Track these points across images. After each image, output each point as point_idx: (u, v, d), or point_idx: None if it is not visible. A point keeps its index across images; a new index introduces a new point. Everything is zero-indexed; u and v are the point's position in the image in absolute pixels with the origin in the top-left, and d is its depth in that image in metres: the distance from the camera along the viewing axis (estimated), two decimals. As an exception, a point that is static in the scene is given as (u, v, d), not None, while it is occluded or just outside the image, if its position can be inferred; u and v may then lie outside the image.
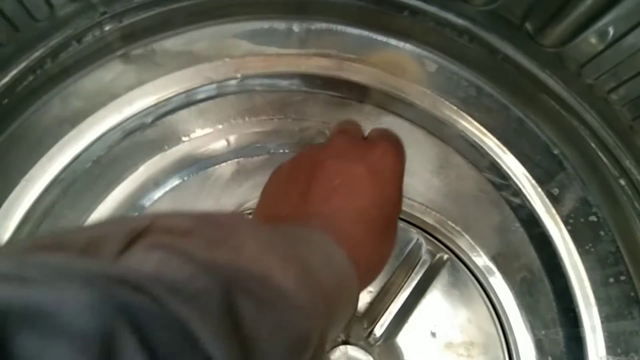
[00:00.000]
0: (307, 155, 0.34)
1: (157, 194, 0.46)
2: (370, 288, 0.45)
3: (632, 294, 0.43)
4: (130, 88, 0.43)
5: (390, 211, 0.33)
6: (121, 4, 0.41)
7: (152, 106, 0.44)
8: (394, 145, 0.34)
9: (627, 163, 0.41)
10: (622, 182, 0.42)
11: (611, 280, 0.43)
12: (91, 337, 0.13)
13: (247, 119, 0.46)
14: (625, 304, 0.43)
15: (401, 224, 0.47)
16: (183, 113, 0.46)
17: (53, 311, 0.13)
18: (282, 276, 0.20)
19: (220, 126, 0.47)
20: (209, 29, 0.44)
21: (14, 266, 0.14)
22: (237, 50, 0.44)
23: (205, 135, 0.47)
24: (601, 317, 0.43)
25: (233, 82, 0.45)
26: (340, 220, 0.30)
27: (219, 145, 0.47)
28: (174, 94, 0.44)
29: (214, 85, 0.45)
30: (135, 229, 0.18)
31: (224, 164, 0.47)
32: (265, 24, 0.45)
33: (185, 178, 0.47)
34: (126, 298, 0.14)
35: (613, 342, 0.42)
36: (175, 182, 0.47)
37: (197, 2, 0.42)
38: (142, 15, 0.42)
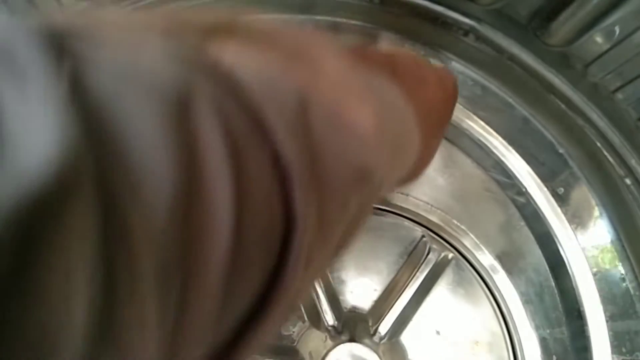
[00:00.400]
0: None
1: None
2: (375, 286, 0.45)
3: (638, 293, 0.43)
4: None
5: (445, 118, 0.34)
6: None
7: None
8: (454, 78, 0.35)
9: (633, 162, 0.41)
10: (628, 181, 0.42)
11: (616, 279, 0.43)
12: (168, 90, 0.12)
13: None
14: (630, 304, 0.43)
15: (406, 223, 0.47)
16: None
17: (130, 59, 0.12)
18: (359, 109, 0.18)
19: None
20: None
21: None
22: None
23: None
24: (606, 316, 0.43)
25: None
26: (414, 92, 0.29)
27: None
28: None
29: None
30: (214, 26, 0.16)
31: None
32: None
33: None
34: (205, 71, 0.14)
35: (618, 341, 0.42)
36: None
37: (199, 3, 0.43)
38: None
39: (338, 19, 0.45)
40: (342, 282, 0.45)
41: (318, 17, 0.45)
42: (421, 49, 0.45)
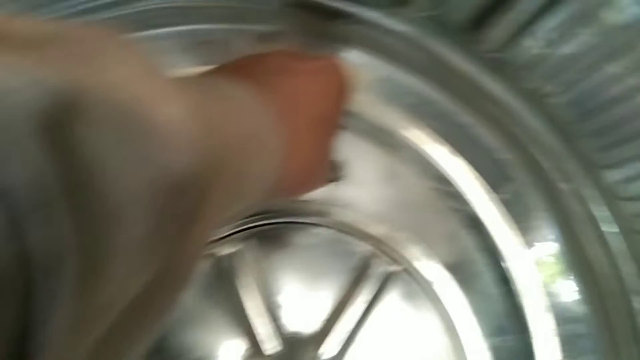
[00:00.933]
0: (254, 58, 0.32)
1: None
2: (318, 307, 0.43)
3: (581, 296, 0.43)
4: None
5: (327, 113, 0.32)
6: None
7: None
8: (338, 64, 0.34)
9: (570, 166, 0.41)
10: (566, 185, 0.42)
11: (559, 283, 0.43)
12: None
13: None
14: (574, 307, 0.43)
15: (349, 238, 0.46)
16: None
17: None
18: (161, 106, 0.16)
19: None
20: (134, 42, 0.41)
21: None
22: (166, 64, 0.41)
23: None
24: (551, 322, 0.43)
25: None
26: (283, 104, 0.27)
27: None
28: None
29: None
30: None
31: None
32: (195, 35, 0.42)
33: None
34: None
35: (563, 345, 0.42)
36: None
37: (119, 14, 0.39)
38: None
39: (267, 27, 0.42)
40: (282, 305, 0.43)
41: (244, 26, 0.42)
42: (358, 57, 0.44)
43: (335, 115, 0.33)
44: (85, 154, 0.13)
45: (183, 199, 0.16)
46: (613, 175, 0.40)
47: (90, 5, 0.39)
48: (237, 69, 0.30)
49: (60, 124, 0.13)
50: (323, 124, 0.31)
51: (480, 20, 0.39)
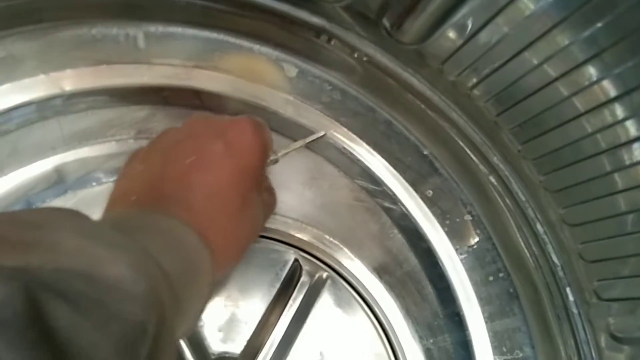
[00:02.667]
0: (163, 137, 0.33)
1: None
2: (245, 323, 0.40)
3: (512, 290, 0.42)
4: None
5: (249, 187, 0.31)
6: None
7: (-51, 137, 0.35)
8: (255, 122, 0.33)
9: (495, 159, 0.41)
10: (492, 179, 0.41)
11: (491, 278, 0.42)
12: None
13: (79, 143, 0.39)
14: (507, 301, 0.42)
15: (276, 245, 0.43)
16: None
17: None
18: (112, 266, 0.18)
19: (47, 154, 0.39)
20: (18, 38, 0.36)
21: None
22: (58, 63, 0.37)
23: (29, 167, 0.39)
24: (485, 317, 0.42)
25: (57, 100, 0.38)
26: (192, 198, 0.29)
27: (48, 177, 0.39)
28: (-22, 120, 0.35)
29: (32, 107, 0.37)
30: None
31: (57, 200, 0.39)
32: (91, 30, 0.38)
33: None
34: None
35: (498, 341, 0.42)
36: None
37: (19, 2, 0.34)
38: None
39: (172, 22, 0.39)
40: (206, 323, 0.40)
41: (148, 21, 0.38)
42: (272, 54, 0.41)
43: (253, 186, 0.32)
44: (61, 337, 0.15)
45: (144, 345, 0.18)
46: (538, 167, 0.40)
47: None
48: (154, 190, 0.30)
49: (36, 311, 0.15)
50: (245, 206, 0.31)
51: (399, 11, 0.37)
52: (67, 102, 0.38)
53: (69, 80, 0.37)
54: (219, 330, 0.40)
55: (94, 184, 0.40)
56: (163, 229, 0.26)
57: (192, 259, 0.26)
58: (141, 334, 0.18)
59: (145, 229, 0.25)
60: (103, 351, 0.16)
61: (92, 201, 0.40)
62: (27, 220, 0.19)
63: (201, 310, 0.28)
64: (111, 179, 0.40)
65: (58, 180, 0.39)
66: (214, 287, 0.28)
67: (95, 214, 0.40)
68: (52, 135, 0.39)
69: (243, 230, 0.32)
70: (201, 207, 0.29)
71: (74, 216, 0.21)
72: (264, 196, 0.36)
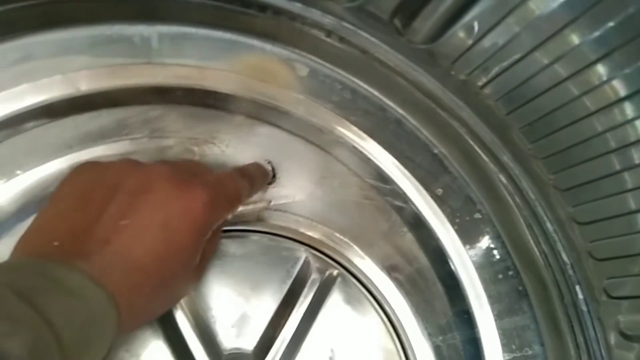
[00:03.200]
0: (108, 173, 0.31)
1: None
2: (257, 320, 0.41)
3: (520, 287, 0.43)
4: (-64, 117, 0.35)
5: (175, 268, 0.30)
6: None
7: (-31, 136, 0.36)
8: (216, 194, 0.31)
9: (505, 158, 0.41)
10: (502, 177, 0.41)
11: (500, 276, 0.43)
12: None
13: (94, 142, 0.40)
14: (516, 299, 0.42)
15: (287, 243, 0.43)
16: (13, 142, 0.38)
17: None
18: (6, 344, 0.19)
19: (63, 153, 0.39)
20: (37, 39, 0.37)
21: None
22: (72, 64, 0.38)
23: (46, 165, 0.39)
24: (494, 315, 0.42)
25: (73, 100, 0.38)
26: (113, 264, 0.27)
27: (65, 176, 0.40)
28: (-4, 120, 0.36)
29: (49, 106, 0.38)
30: None
31: (73, 197, 0.40)
32: (106, 31, 0.38)
33: (26, 219, 0.39)
34: None
35: (507, 339, 0.42)
36: (13, 224, 0.39)
37: (15, 7, 0.35)
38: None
39: (185, 24, 0.39)
40: (218, 319, 0.40)
41: (162, 22, 0.39)
42: (284, 53, 0.41)
43: (194, 258, 0.32)
44: None
45: None
46: (548, 166, 0.40)
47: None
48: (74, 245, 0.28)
49: None
50: (171, 279, 0.31)
51: (410, 11, 0.37)
52: (83, 102, 0.39)
53: (85, 80, 0.38)
54: (232, 327, 0.40)
55: (109, 182, 0.40)
56: (71, 288, 0.25)
57: (96, 321, 0.25)
58: None
59: (52, 290, 0.24)
60: None
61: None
62: None
63: None
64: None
65: (74, 179, 0.40)
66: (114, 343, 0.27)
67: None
68: (68, 134, 0.39)
69: (156, 307, 0.32)
70: (120, 276, 0.27)
71: None
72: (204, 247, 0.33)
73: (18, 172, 0.39)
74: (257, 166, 0.41)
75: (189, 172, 0.33)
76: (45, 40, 0.38)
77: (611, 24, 0.32)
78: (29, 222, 0.37)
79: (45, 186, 0.39)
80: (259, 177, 0.40)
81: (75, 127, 0.39)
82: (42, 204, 0.39)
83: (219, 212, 0.33)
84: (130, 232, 0.28)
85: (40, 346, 0.21)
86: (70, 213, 0.30)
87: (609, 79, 0.34)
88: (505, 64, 0.37)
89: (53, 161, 0.39)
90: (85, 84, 0.38)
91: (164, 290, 0.31)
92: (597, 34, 0.33)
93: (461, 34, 0.36)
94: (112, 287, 0.26)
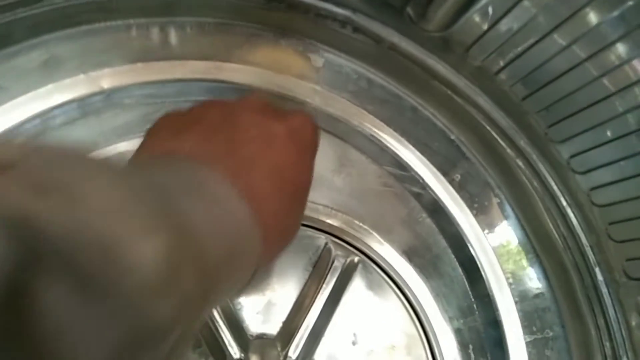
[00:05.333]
0: (218, 103, 0.30)
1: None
2: (281, 306, 0.42)
3: (541, 270, 0.43)
4: (-31, 119, 0.37)
5: (303, 179, 0.30)
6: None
7: None
8: (313, 121, 0.32)
9: (522, 143, 0.41)
10: (520, 162, 0.41)
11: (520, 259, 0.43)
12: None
13: (119, 138, 0.41)
14: (535, 281, 0.43)
15: (308, 231, 0.44)
16: (41, 141, 0.39)
17: None
18: (139, 244, 0.14)
19: (89, 150, 0.41)
20: (59, 41, 0.38)
21: None
22: (96, 62, 0.39)
23: (73, 162, 0.41)
24: (514, 298, 0.43)
25: (97, 98, 0.40)
26: (250, 170, 0.25)
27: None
28: (25, 120, 0.38)
29: (74, 105, 0.39)
30: None
31: (100, 192, 0.41)
32: (126, 30, 0.39)
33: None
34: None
35: (528, 320, 0.42)
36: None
37: (38, 12, 0.36)
38: (-32, 32, 0.35)
39: (203, 19, 0.40)
40: (244, 306, 0.41)
41: (180, 19, 0.40)
42: (299, 45, 0.42)
43: (309, 175, 0.31)
44: (46, 329, 0.12)
45: (154, 347, 0.15)
46: (565, 149, 0.40)
47: (1, 3, 0.36)
48: (208, 147, 0.26)
49: (21, 291, 0.11)
50: (300, 191, 0.30)
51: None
52: (106, 100, 0.40)
53: (107, 79, 0.39)
54: (257, 313, 0.41)
55: (134, 176, 0.42)
56: (213, 196, 0.22)
57: (239, 237, 0.22)
58: (154, 332, 0.15)
59: (192, 193, 0.21)
60: (99, 351, 0.13)
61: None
62: (59, 155, 0.15)
63: (233, 297, 0.25)
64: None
65: (100, 174, 0.41)
66: (255, 275, 0.25)
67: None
68: (93, 131, 0.41)
69: (294, 218, 0.30)
70: (258, 182, 0.25)
71: (112, 167, 0.18)
72: None
73: (48, 169, 0.40)
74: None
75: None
76: (67, 41, 0.39)
77: (631, 2, 0.32)
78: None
79: (73, 182, 0.41)
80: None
81: (100, 124, 0.41)
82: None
83: (318, 132, 0.33)
84: (260, 140, 0.27)
85: (180, 253, 0.16)
86: (180, 131, 0.27)
87: (630, 59, 0.34)
88: (520, 48, 0.37)
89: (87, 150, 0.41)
90: (107, 82, 0.40)
91: (295, 205, 0.29)
92: (616, 13, 0.33)
93: (475, 20, 0.36)
94: (251, 199, 0.23)
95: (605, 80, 0.36)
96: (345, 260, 0.44)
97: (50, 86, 0.38)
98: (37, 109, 0.38)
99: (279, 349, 0.41)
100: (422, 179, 0.43)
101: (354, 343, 0.42)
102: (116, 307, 0.13)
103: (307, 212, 0.44)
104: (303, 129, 0.30)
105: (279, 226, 0.27)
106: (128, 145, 0.42)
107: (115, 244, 0.14)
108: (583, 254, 0.41)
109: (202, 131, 0.27)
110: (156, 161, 0.24)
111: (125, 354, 0.14)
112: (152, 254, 0.15)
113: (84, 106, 0.39)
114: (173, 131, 0.27)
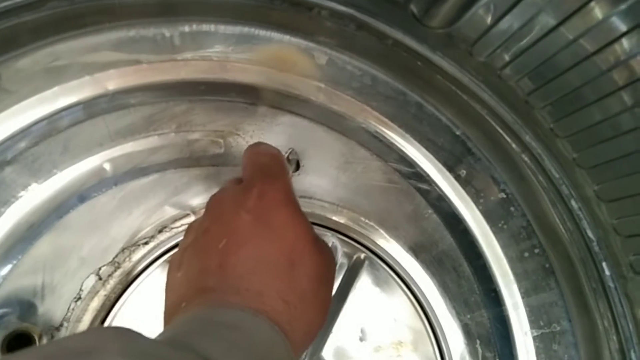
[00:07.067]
0: (190, 232, 0.33)
1: (34, 238, 0.40)
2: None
3: (547, 265, 0.43)
4: (-23, 123, 0.37)
5: (299, 246, 0.29)
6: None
7: (7, 140, 0.38)
8: (269, 179, 0.31)
9: (527, 138, 0.41)
10: (525, 157, 0.41)
11: (526, 254, 0.43)
12: None
13: (124, 138, 0.41)
14: (542, 277, 0.43)
15: (315, 229, 0.44)
16: (48, 143, 0.40)
17: None
18: None
19: (95, 151, 0.41)
20: (64, 43, 0.38)
21: None
22: (101, 64, 0.39)
23: (80, 163, 0.41)
24: (521, 293, 0.43)
25: (102, 99, 0.40)
26: (244, 278, 0.27)
27: (98, 172, 0.41)
28: (32, 123, 0.38)
29: (80, 107, 0.39)
30: None
31: (107, 192, 0.42)
32: (130, 32, 0.39)
33: (65, 215, 0.41)
34: None
35: (535, 315, 0.43)
36: (53, 221, 0.41)
37: (42, 15, 0.36)
38: (-26, 36, 0.35)
39: (205, 19, 0.40)
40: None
41: (183, 19, 0.40)
42: (303, 43, 0.42)
43: (305, 226, 0.31)
44: None
45: None
46: (571, 144, 0.39)
47: (6, 7, 0.36)
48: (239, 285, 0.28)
49: None
50: (300, 259, 0.29)
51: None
52: (111, 101, 0.40)
53: (112, 80, 0.39)
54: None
55: (141, 176, 0.42)
56: (228, 325, 0.24)
57: (266, 353, 0.24)
58: None
59: (207, 332, 0.23)
60: None
61: (140, 192, 0.42)
62: (74, 349, 0.18)
63: None
64: (156, 171, 0.42)
65: (107, 175, 0.41)
66: None
67: (144, 204, 0.42)
68: (99, 132, 0.41)
69: (316, 297, 0.29)
70: (255, 283, 0.27)
71: (123, 336, 0.20)
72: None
73: (55, 170, 0.40)
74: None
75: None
76: (71, 43, 0.39)
77: (638, -5, 0.32)
78: (68, 218, 0.40)
79: (81, 183, 0.41)
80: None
81: (105, 126, 0.41)
82: (78, 200, 0.41)
83: (281, 183, 0.32)
84: (231, 244, 0.28)
85: None
86: (179, 281, 0.30)
87: (637, 53, 0.34)
88: (526, 43, 0.36)
89: (87, 159, 0.41)
90: (112, 83, 0.40)
91: (305, 277, 0.29)
92: (622, 7, 0.33)
93: (478, 17, 0.35)
94: (262, 305, 0.25)
95: (612, 75, 0.36)
96: (352, 257, 0.44)
97: (56, 89, 0.39)
98: (43, 112, 0.38)
99: (287, 346, 0.41)
100: (428, 175, 0.43)
101: (361, 339, 0.43)
102: None
103: (312, 210, 0.45)
104: (265, 201, 0.30)
105: (304, 332, 0.28)
106: (134, 146, 0.42)
107: None
108: (590, 249, 0.41)
109: (188, 276, 0.29)
110: (175, 324, 0.26)
111: None
112: None
113: (89, 108, 0.40)
114: (173, 292, 0.30)
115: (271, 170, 0.32)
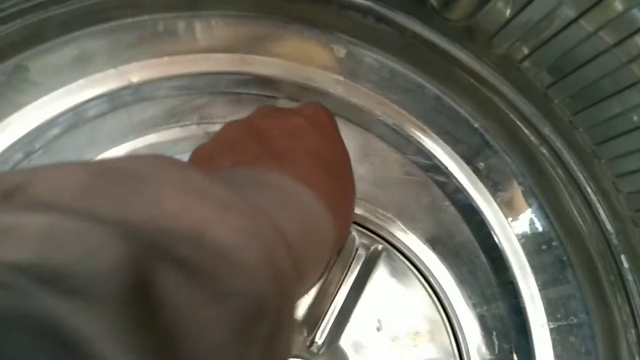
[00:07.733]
0: (235, 123, 0.32)
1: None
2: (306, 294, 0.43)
3: (565, 258, 0.43)
4: (6, 114, 0.38)
5: (338, 152, 0.31)
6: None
7: (35, 131, 0.39)
8: (321, 105, 0.33)
9: (546, 130, 0.41)
10: (544, 150, 0.41)
11: (544, 247, 0.43)
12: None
13: (147, 130, 0.42)
14: (560, 269, 0.43)
15: (331, 219, 0.45)
16: (74, 133, 0.41)
17: None
18: (221, 228, 0.15)
19: (119, 142, 0.42)
20: (89, 37, 0.39)
21: None
22: (125, 57, 0.40)
23: (105, 154, 0.42)
24: (538, 285, 0.43)
25: (126, 91, 0.41)
26: (294, 157, 0.26)
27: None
28: (59, 114, 0.39)
29: (105, 98, 0.40)
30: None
31: (130, 183, 0.43)
32: (153, 25, 0.40)
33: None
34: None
35: (552, 308, 0.43)
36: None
37: (69, 9, 0.37)
38: (4, 30, 0.36)
39: (227, 12, 0.41)
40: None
41: (205, 12, 0.41)
42: (322, 36, 0.42)
43: (342, 146, 0.33)
44: (167, 315, 0.12)
45: (264, 323, 0.15)
46: (590, 137, 0.39)
47: (34, 2, 0.37)
48: (256, 150, 0.28)
49: (143, 280, 0.12)
50: (342, 165, 0.31)
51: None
52: (135, 93, 0.41)
53: (136, 73, 0.40)
54: (283, 300, 0.43)
55: (163, 168, 0.43)
56: (276, 185, 0.22)
57: (312, 219, 0.22)
58: (259, 310, 0.15)
59: (256, 185, 0.21)
60: (217, 333, 0.14)
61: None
62: (127, 170, 0.16)
63: (317, 280, 0.25)
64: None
65: (131, 166, 0.42)
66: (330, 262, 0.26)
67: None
68: (123, 124, 0.42)
69: (347, 193, 0.30)
70: (305, 165, 0.26)
71: (180, 168, 0.18)
72: None
73: (80, 162, 0.41)
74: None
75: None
76: (97, 37, 0.40)
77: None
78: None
79: (105, 174, 0.42)
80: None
81: (129, 117, 0.42)
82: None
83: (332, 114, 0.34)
84: (285, 133, 0.29)
85: (262, 233, 0.17)
86: (223, 147, 0.29)
87: (658, 45, 0.34)
88: (545, 35, 0.36)
89: (111, 150, 0.42)
90: (136, 76, 0.41)
91: (347, 185, 0.31)
92: (644, -3, 0.32)
93: (498, 9, 0.36)
94: (309, 182, 0.24)
95: (632, 67, 0.36)
96: (370, 248, 0.44)
97: (81, 81, 0.40)
98: (69, 103, 0.40)
99: (305, 334, 0.42)
100: (446, 168, 0.44)
101: (378, 329, 0.43)
102: (220, 290, 0.14)
103: (331, 201, 0.45)
104: (316, 113, 0.32)
105: (340, 207, 0.27)
106: (156, 137, 0.43)
107: (200, 231, 0.15)
108: (608, 241, 0.41)
109: (235, 151, 0.28)
110: (217, 171, 0.25)
111: (244, 334, 0.14)
112: (232, 234, 0.16)
113: (113, 100, 0.41)
114: (206, 159, 0.29)
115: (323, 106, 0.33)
